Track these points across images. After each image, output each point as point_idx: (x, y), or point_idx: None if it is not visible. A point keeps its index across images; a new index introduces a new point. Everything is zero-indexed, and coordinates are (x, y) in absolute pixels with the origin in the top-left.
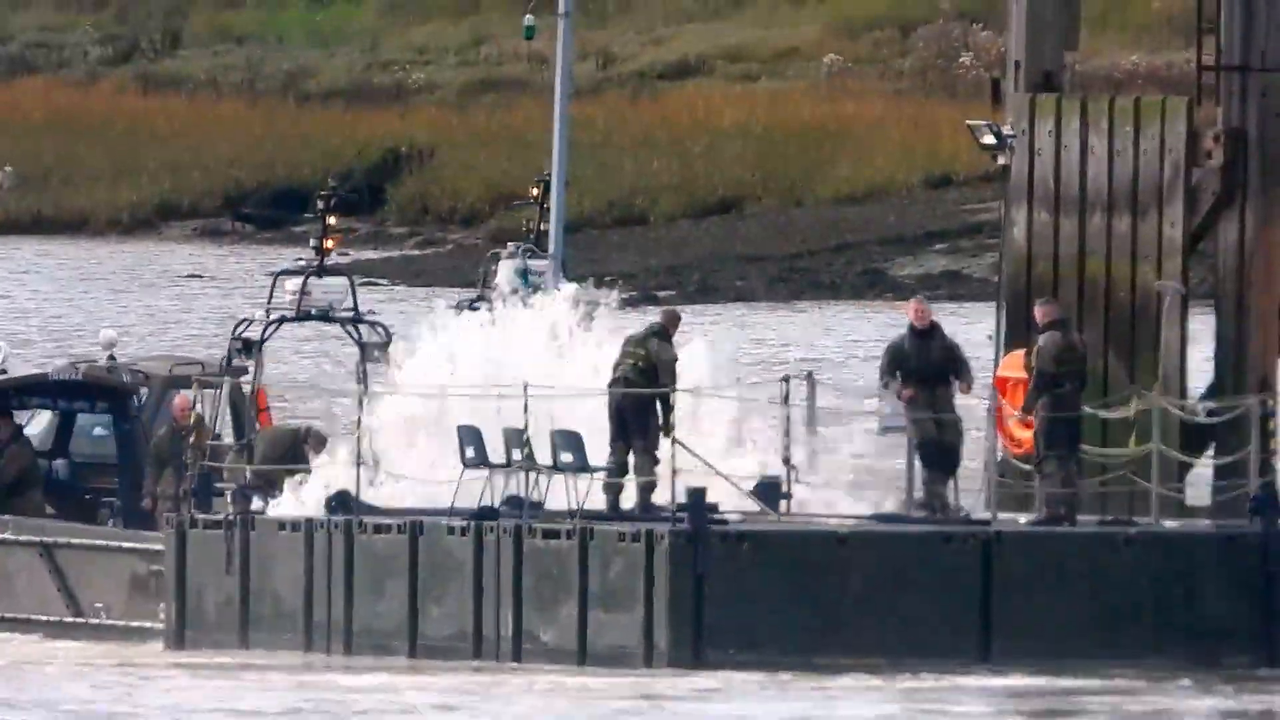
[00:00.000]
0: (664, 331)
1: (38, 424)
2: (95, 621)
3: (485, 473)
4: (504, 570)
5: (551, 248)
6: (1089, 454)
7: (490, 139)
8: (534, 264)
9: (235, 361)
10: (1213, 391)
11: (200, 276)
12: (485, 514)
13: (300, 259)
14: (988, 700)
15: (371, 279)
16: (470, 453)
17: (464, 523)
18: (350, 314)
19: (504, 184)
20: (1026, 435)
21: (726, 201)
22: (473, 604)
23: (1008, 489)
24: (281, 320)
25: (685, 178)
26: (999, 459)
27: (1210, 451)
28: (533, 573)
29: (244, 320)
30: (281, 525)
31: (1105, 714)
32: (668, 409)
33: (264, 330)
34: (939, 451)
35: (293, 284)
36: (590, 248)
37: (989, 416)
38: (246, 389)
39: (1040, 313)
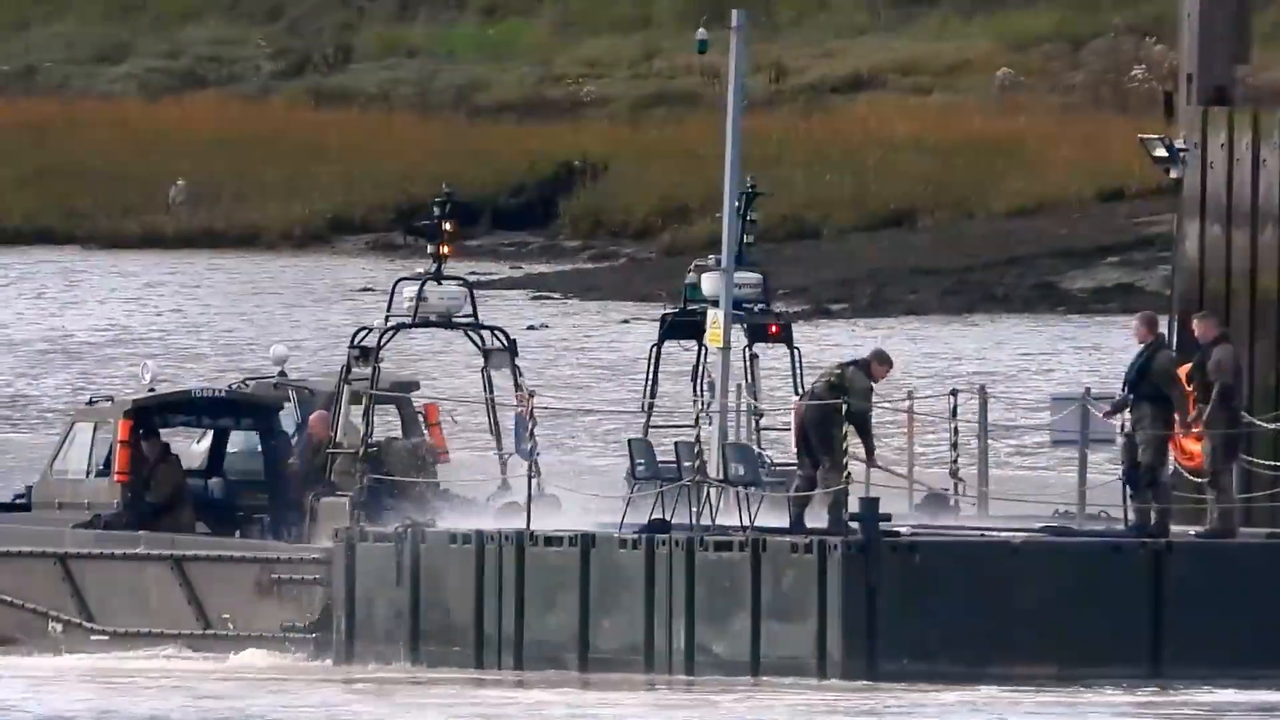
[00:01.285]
0: (866, 365)
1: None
2: (222, 632)
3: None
4: (676, 583)
5: (724, 260)
6: (1261, 467)
7: (662, 153)
8: (740, 275)
9: (355, 370)
10: None
11: (372, 290)
12: (657, 527)
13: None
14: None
15: (544, 292)
16: (641, 466)
17: (636, 536)
18: (469, 320)
19: (676, 198)
20: (1197, 448)
21: (898, 215)
22: (644, 617)
23: (1179, 501)
24: (399, 327)
25: (857, 191)
26: (1170, 471)
27: None
28: (705, 585)
29: (363, 329)
30: (453, 538)
31: None
32: (868, 434)
33: (380, 338)
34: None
35: (410, 291)
36: (763, 261)
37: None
38: (419, 404)
39: (1203, 326)
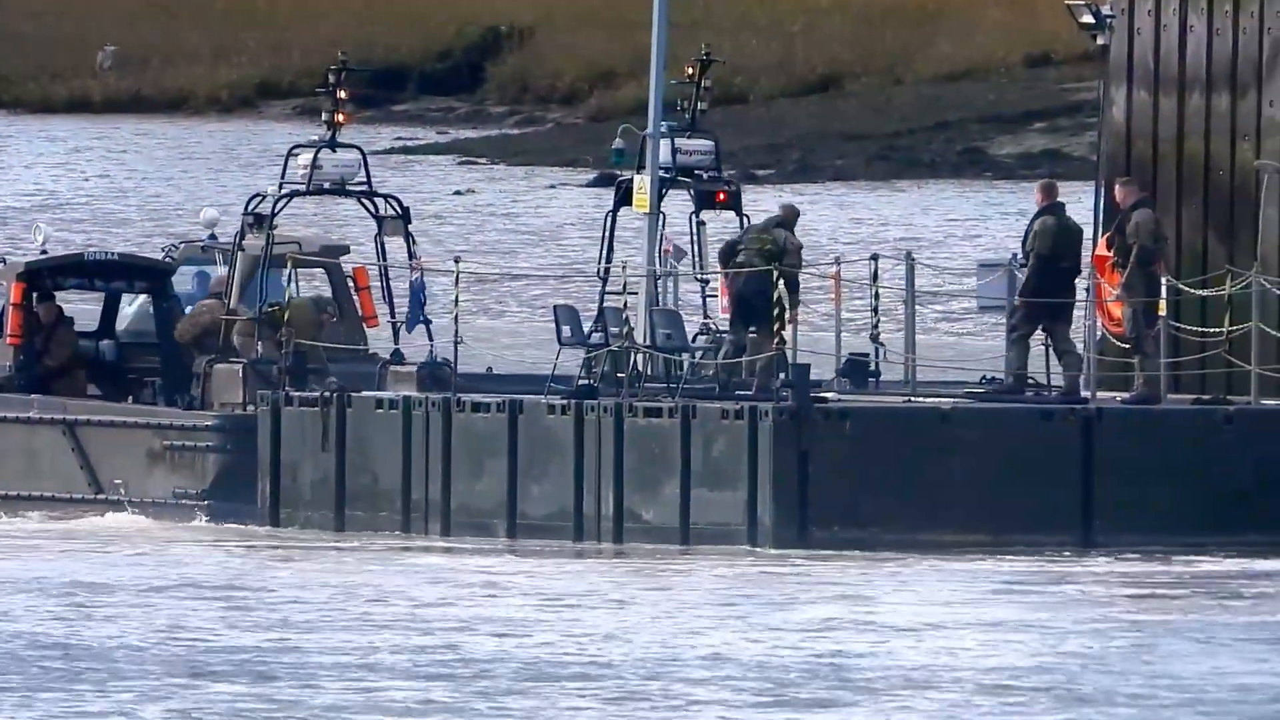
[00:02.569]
0: (786, 223)
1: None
2: (115, 498)
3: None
4: (605, 449)
5: (650, 127)
6: (1187, 333)
7: (590, 18)
8: (684, 143)
9: (248, 236)
10: None
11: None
12: (585, 393)
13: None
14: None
15: (471, 158)
16: (568, 332)
17: (564, 401)
18: (364, 187)
19: (603, 63)
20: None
21: (825, 80)
22: (573, 483)
23: (1106, 368)
24: (293, 194)
25: (784, 56)
26: (1098, 338)
27: None
28: (634, 451)
29: (256, 195)
30: (379, 404)
31: (1205, 594)
32: (795, 293)
33: (275, 204)
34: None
35: (305, 158)
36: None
37: (1088, 295)
38: (348, 268)
39: (1124, 192)
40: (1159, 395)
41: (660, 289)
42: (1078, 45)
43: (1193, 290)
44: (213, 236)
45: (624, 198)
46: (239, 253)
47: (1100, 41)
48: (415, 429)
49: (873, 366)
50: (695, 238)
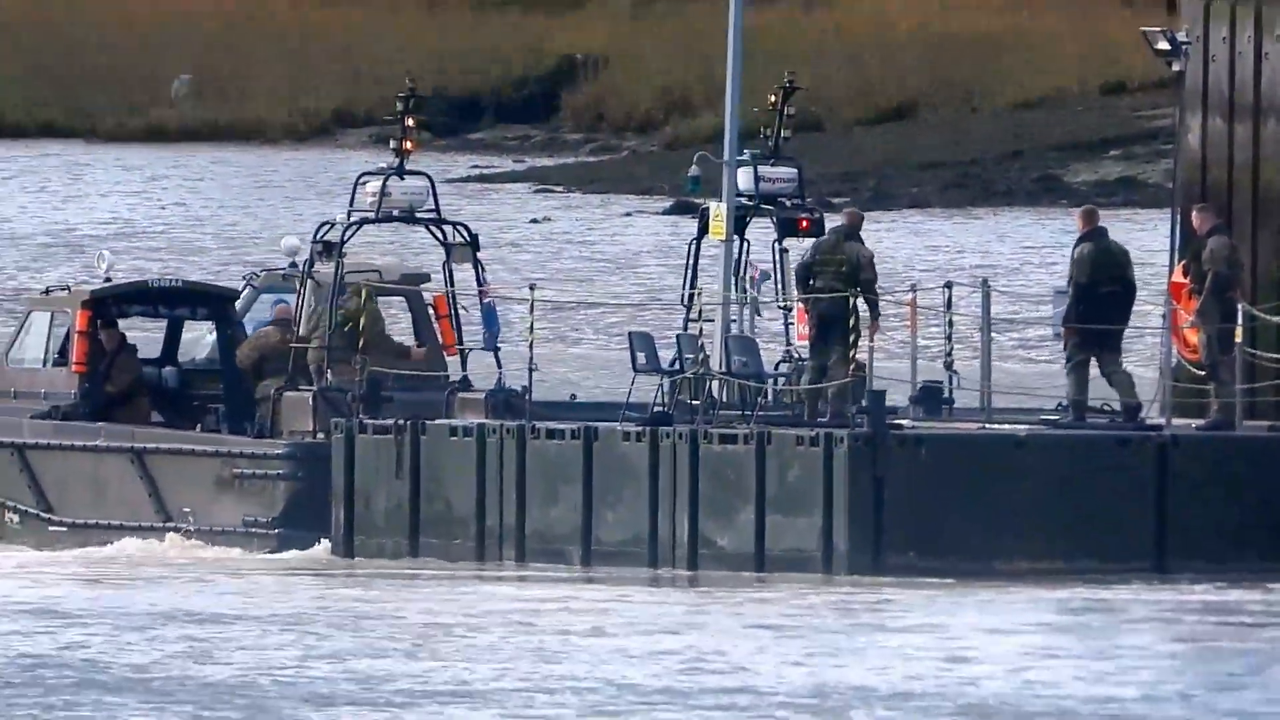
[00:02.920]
0: (853, 232)
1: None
2: (183, 526)
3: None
4: (680, 475)
5: (726, 154)
6: (1263, 359)
7: (666, 46)
8: (767, 171)
9: (317, 265)
10: None
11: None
12: (660, 419)
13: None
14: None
15: (546, 186)
16: (642, 359)
17: (639, 429)
18: (432, 214)
19: (679, 91)
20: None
21: (902, 108)
22: (648, 510)
23: (1182, 394)
24: (363, 222)
25: (861, 85)
26: (1173, 364)
27: None
28: (709, 478)
29: (325, 223)
30: (453, 431)
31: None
32: (876, 307)
33: (345, 232)
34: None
35: (374, 185)
36: (798, 156)
37: (1164, 322)
38: (428, 296)
39: (1200, 218)
40: (1234, 422)
41: (740, 315)
42: (1153, 72)
43: (1268, 316)
44: (294, 264)
45: (706, 225)
46: (310, 280)
47: (1175, 68)
48: (490, 456)
49: (946, 393)
50: (778, 265)
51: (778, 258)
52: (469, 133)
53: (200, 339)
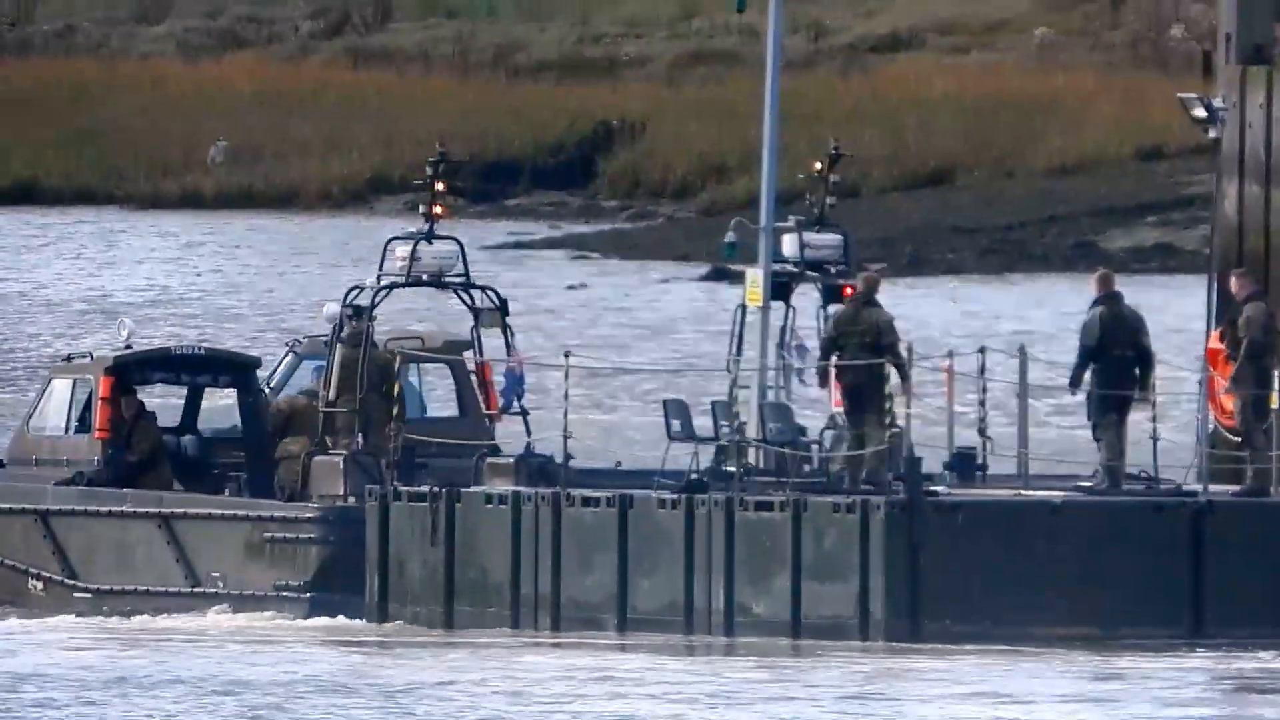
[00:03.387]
0: (870, 297)
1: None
2: (212, 590)
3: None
4: (715, 543)
5: (763, 220)
6: None
7: (701, 112)
8: (812, 238)
9: (347, 329)
10: None
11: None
12: (695, 486)
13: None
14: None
15: (583, 252)
16: (677, 426)
17: (675, 496)
18: (461, 279)
19: (715, 157)
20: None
21: (937, 173)
22: (683, 577)
23: (1219, 461)
24: (392, 286)
25: (896, 150)
26: (1210, 430)
27: None
28: (745, 545)
29: (355, 287)
30: (488, 499)
31: None
32: (903, 369)
33: (374, 296)
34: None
35: (403, 250)
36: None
37: (1200, 388)
38: (470, 363)
39: (1238, 284)
40: (1269, 488)
41: (776, 383)
42: (1190, 138)
43: None
44: None
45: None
46: (339, 344)
47: (1212, 134)
48: (525, 523)
49: (980, 459)
50: (822, 331)
51: (821, 324)
52: (505, 199)
53: (217, 407)
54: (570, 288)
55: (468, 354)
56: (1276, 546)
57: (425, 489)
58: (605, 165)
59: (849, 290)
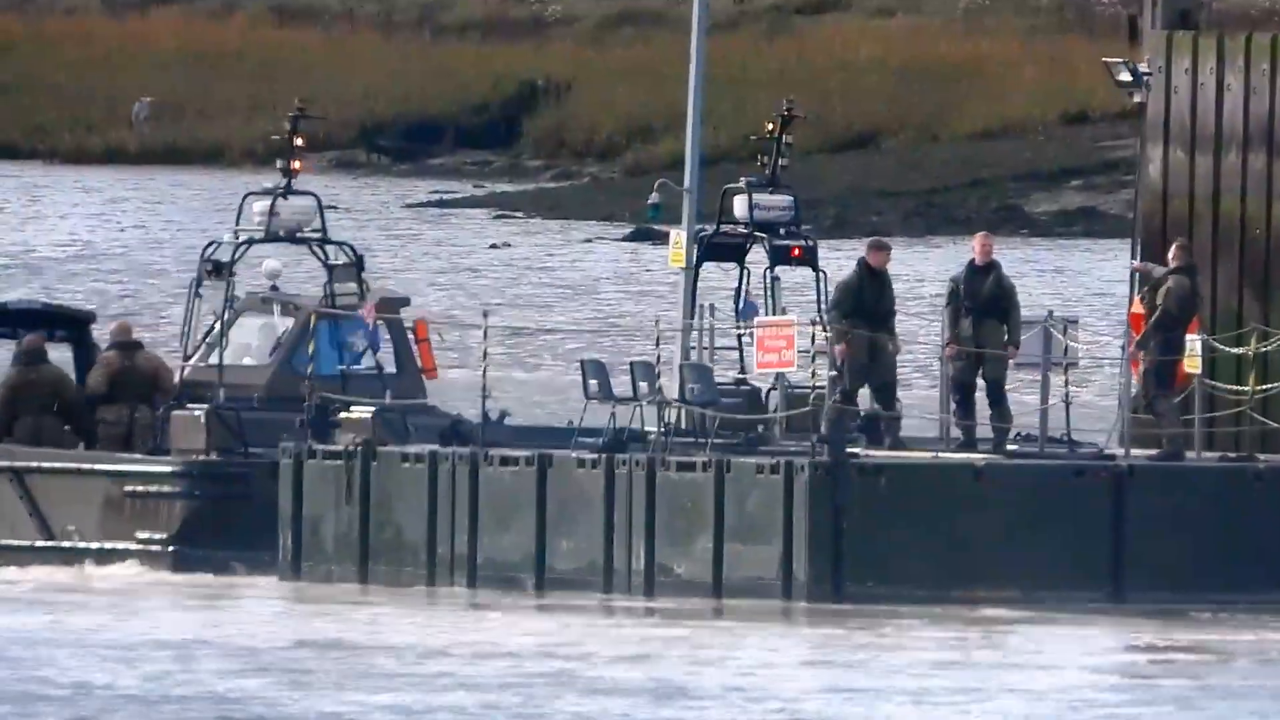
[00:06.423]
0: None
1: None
2: (68, 545)
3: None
4: (636, 503)
5: (687, 181)
6: (1224, 391)
7: (627, 73)
8: (762, 198)
9: (205, 283)
10: None
11: (335, 208)
12: (615, 446)
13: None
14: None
15: (506, 211)
16: (595, 386)
17: (595, 455)
18: (318, 235)
19: (640, 117)
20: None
21: (862, 137)
22: (603, 537)
23: (1141, 425)
24: (250, 242)
25: (821, 113)
26: (1131, 395)
27: None
28: (666, 505)
29: (212, 243)
30: (404, 458)
31: (1230, 652)
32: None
33: (233, 252)
34: (966, 387)
35: (260, 205)
36: (726, 181)
37: (1122, 353)
38: (408, 321)
39: (1176, 253)
40: (1181, 453)
41: (699, 343)
42: (1115, 103)
43: (1227, 348)
44: (274, 288)
45: (708, 252)
46: (197, 299)
47: (1137, 99)
48: (441, 482)
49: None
50: (769, 292)
51: (769, 285)
52: (429, 157)
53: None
54: (493, 246)
55: (406, 312)
56: (1194, 510)
57: (340, 448)
58: (530, 125)
59: (796, 251)
